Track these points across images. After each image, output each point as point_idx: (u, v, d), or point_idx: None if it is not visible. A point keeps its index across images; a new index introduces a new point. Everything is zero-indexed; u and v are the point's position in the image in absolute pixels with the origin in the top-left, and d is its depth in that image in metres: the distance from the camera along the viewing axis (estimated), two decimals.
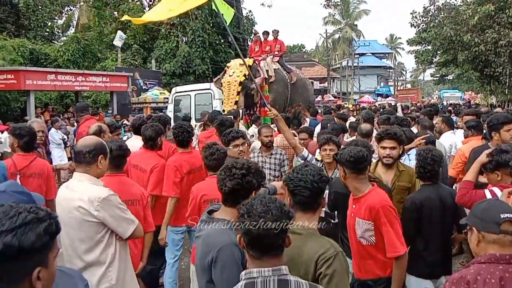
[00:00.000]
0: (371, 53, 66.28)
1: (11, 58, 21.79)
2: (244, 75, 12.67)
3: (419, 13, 26.87)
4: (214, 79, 14.56)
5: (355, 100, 45.86)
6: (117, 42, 25.66)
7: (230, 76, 13.10)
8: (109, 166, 3.88)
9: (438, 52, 28.16)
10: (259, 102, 13.29)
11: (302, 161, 5.34)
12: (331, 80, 52.44)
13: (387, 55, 78.85)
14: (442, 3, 26.08)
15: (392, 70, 77.49)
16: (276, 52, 15.21)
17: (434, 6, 26.21)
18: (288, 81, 14.81)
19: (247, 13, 33.14)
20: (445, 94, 52.63)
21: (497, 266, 2.39)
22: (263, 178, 3.11)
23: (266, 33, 15.71)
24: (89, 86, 20.76)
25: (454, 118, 13.50)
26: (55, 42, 32.23)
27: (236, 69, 13.11)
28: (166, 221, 5.27)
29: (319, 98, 34.15)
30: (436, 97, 60.34)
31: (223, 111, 12.09)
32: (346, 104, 33.53)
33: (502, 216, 2.44)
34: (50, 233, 1.65)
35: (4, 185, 2.19)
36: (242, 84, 12.82)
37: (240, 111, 12.25)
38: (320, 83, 52.33)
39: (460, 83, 52.62)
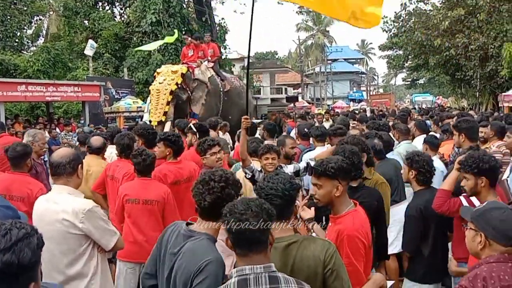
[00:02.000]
0: (343, 58, 67.08)
1: None
2: (176, 84, 11.93)
3: (390, 18, 27.27)
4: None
5: (328, 105, 46.21)
6: (88, 51, 25.35)
7: (160, 83, 12.03)
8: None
9: (410, 56, 28.63)
10: (190, 112, 12.50)
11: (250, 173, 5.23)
12: (305, 86, 52.78)
13: (359, 60, 79.91)
14: (413, 9, 26.50)
15: (364, 75, 78.47)
16: (209, 58, 14.12)
17: (405, 11, 26.64)
18: (221, 89, 13.76)
19: (219, 20, 33.12)
20: (417, 98, 53.48)
21: (507, 264, 2.43)
22: (240, 188, 3.02)
23: (199, 38, 14.75)
24: (60, 96, 20.39)
25: (428, 122, 13.67)
26: (25, 52, 31.70)
27: (167, 76, 12.10)
28: None
29: (291, 104, 34.32)
30: (408, 101, 61.22)
31: (150, 122, 11.37)
32: (319, 109, 33.72)
33: None
34: (40, 248, 1.69)
35: None
36: (173, 93, 11.88)
37: (169, 123, 11.27)
38: (294, 89, 52.67)
39: (431, 87, 53.55)
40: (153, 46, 20.19)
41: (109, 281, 3.75)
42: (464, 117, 6.58)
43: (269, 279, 2.24)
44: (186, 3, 30.29)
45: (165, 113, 11.64)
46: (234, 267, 2.36)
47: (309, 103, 44.23)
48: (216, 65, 14.26)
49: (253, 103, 16.18)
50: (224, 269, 2.57)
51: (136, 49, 22.11)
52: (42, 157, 7.28)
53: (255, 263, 2.27)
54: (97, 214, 3.49)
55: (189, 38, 14.41)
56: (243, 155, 5.35)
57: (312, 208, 3.39)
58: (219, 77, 13.97)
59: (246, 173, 5.10)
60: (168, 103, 11.72)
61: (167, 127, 11.03)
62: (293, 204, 2.82)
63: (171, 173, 5.29)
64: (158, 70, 12.90)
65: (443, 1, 25.71)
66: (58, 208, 3.42)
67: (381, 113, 20.73)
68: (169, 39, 17.79)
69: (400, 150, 6.56)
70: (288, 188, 2.73)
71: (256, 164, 5.14)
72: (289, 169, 5.09)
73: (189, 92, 12.47)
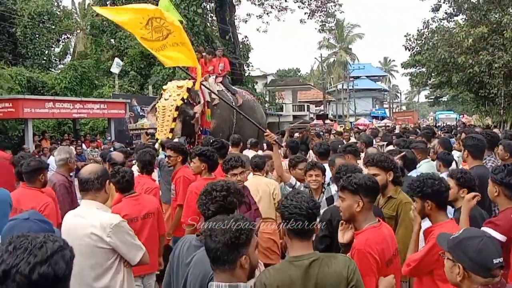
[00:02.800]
0: (365, 76, 66.77)
1: (8, 86, 21.84)
2: (182, 99, 11.37)
3: (413, 35, 27.16)
4: (149, 108, 12.91)
5: (351, 123, 46.07)
6: (114, 69, 25.80)
7: (165, 100, 11.53)
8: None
9: (433, 74, 28.37)
10: (200, 129, 11.92)
11: (290, 189, 5.29)
12: (327, 103, 52.75)
13: (381, 77, 79.50)
14: (436, 26, 26.40)
15: (387, 92, 78.04)
16: (219, 72, 13.73)
17: (428, 29, 26.52)
18: (234, 104, 12.91)
19: (242, 38, 33.46)
20: (440, 115, 52.94)
21: None
22: (242, 196, 3.26)
23: (211, 52, 14.26)
24: (86, 113, 20.83)
25: (451, 140, 13.56)
26: (52, 70, 32.39)
27: (173, 92, 11.60)
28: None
29: (319, 121, 34.26)
30: (431, 119, 60.66)
31: (156, 140, 11.08)
32: (341, 126, 33.65)
33: (495, 261, 2.31)
34: (72, 260, 1.70)
35: (28, 213, 2.23)
36: (179, 109, 11.29)
37: (180, 139, 10.69)
38: (316, 106, 52.66)
39: (455, 105, 53.00)
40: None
41: None
42: (471, 134, 6.48)
43: None
44: (210, 22, 30.67)
45: (171, 130, 11.15)
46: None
47: (332, 120, 44.14)
48: (225, 79, 13.91)
49: (264, 118, 15.63)
50: None
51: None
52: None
53: (222, 281, 2.34)
54: (124, 228, 3.58)
55: (201, 53, 13.75)
56: (279, 172, 5.43)
57: (350, 232, 3.35)
58: (230, 92, 13.58)
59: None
60: (174, 120, 11.21)
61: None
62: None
63: None
64: (164, 86, 12.42)
65: (466, 18, 25.60)
66: (86, 222, 3.50)
67: (404, 130, 20.65)
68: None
69: (421, 170, 6.30)
70: (311, 207, 2.74)
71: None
72: (334, 188, 5.06)
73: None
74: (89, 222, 3.49)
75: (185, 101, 11.39)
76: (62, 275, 1.62)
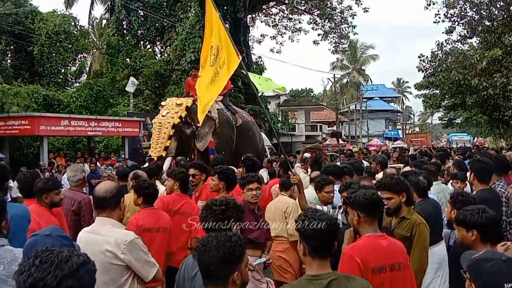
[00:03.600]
0: (378, 97, 66.73)
1: (25, 104, 22.15)
2: (180, 117, 11.07)
3: (426, 57, 27.22)
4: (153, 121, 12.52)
5: (363, 143, 45.95)
6: (130, 88, 26.05)
7: (162, 116, 11.28)
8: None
9: (446, 95, 28.36)
10: (195, 148, 11.56)
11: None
12: (340, 124, 52.74)
13: (395, 99, 79.39)
14: (450, 48, 26.45)
15: (400, 113, 77.84)
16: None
17: (441, 51, 26.57)
18: (234, 123, 12.89)
19: (256, 59, 33.69)
20: (454, 137, 52.75)
21: None
22: (243, 212, 3.43)
23: None
24: (101, 131, 21.00)
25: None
26: (68, 88, 32.78)
27: (170, 109, 11.29)
28: None
29: (333, 141, 34.14)
30: (445, 141, 60.37)
31: (149, 156, 11.03)
32: (354, 147, 33.58)
33: (506, 286, 2.33)
34: (94, 274, 1.78)
35: (49, 229, 2.27)
36: (175, 127, 11.03)
37: (169, 158, 10.61)
38: (328, 127, 52.65)
39: (469, 127, 52.74)
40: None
41: None
42: (478, 157, 6.45)
43: None
44: None
45: (166, 148, 10.92)
46: None
47: (344, 140, 44.09)
48: (226, 98, 13.46)
49: (262, 141, 15.04)
50: None
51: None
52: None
53: None
54: (138, 245, 3.61)
55: (196, 71, 13.19)
56: (304, 209, 5.49)
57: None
58: (229, 111, 13.14)
59: None
60: (170, 138, 10.97)
61: (167, 163, 10.44)
62: (334, 241, 2.78)
63: None
64: (162, 103, 12.14)
65: (481, 41, 25.64)
66: (101, 239, 3.54)
67: (418, 151, 20.59)
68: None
69: (431, 191, 6.30)
70: (332, 225, 2.75)
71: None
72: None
73: (193, 126, 11.47)
74: (103, 239, 3.53)
75: (183, 119, 11.13)
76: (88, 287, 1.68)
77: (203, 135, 11.56)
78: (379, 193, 4.14)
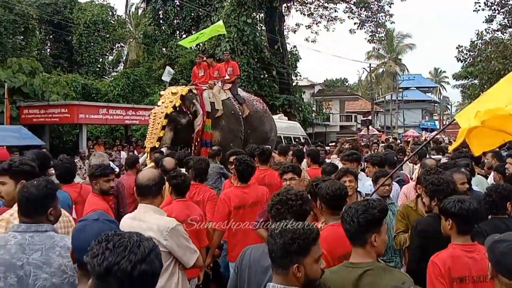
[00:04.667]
0: (415, 87, 65.66)
1: (64, 93, 22.62)
2: (174, 107, 10.65)
3: (465, 47, 26.66)
4: None
5: (399, 134, 45.35)
6: (166, 77, 26.25)
7: (158, 106, 11.01)
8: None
9: (486, 86, 27.69)
10: (198, 140, 11.05)
11: None
12: (375, 114, 52.14)
13: (432, 89, 77.95)
14: (490, 37, 25.82)
15: (437, 104, 76.44)
16: (227, 77, 12.56)
17: (481, 40, 25.96)
18: (240, 114, 12.25)
19: (291, 48, 33.54)
20: None
21: None
22: (311, 204, 3.33)
23: (211, 56, 13.53)
24: (138, 120, 21.31)
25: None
26: (106, 77, 33.29)
27: (166, 98, 10.91)
28: (211, 252, 5.30)
29: (363, 131, 33.86)
30: None
31: (144, 147, 10.51)
32: (390, 138, 33.19)
33: None
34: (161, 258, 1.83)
35: (97, 214, 2.34)
36: (169, 117, 10.60)
37: (164, 149, 10.06)
38: (363, 117, 52.09)
39: None
40: (200, 38, 15.24)
41: None
42: None
43: None
44: (259, 31, 30.92)
45: (159, 139, 10.47)
46: None
47: (379, 131, 43.61)
48: (234, 86, 12.73)
49: (274, 131, 14.06)
50: None
51: (180, 42, 18.60)
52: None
53: (277, 282, 2.40)
54: (180, 232, 3.70)
55: (203, 57, 13.18)
56: None
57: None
58: (237, 101, 12.46)
59: None
60: (163, 128, 10.52)
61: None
62: (367, 233, 2.74)
63: (236, 197, 5.35)
64: (161, 92, 11.83)
65: None
66: (144, 225, 3.60)
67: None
68: (215, 30, 14.72)
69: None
70: (359, 215, 2.74)
71: None
72: None
73: (190, 116, 10.99)
74: (147, 226, 3.61)
75: (177, 108, 10.73)
76: (157, 271, 1.74)
77: (196, 127, 11.03)
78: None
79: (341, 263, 2.89)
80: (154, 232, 3.57)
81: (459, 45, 26.67)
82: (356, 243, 2.79)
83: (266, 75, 30.32)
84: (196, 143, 11.01)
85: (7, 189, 3.65)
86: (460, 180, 5.01)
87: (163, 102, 10.85)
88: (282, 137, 17.61)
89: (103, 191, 5.06)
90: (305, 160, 8.45)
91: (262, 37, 31.35)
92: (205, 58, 12.98)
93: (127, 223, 3.76)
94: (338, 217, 3.29)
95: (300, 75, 36.11)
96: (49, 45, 33.39)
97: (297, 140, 18.51)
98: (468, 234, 3.39)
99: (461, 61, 27.16)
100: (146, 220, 3.66)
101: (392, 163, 7.34)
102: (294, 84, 32.68)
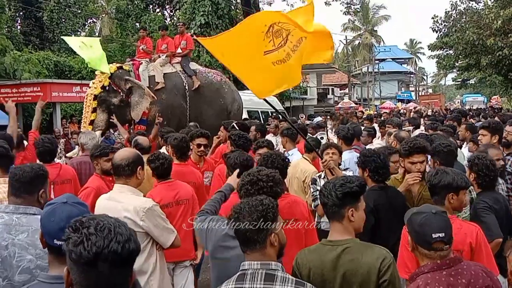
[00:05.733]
0: (391, 58, 65.93)
1: (36, 70, 22.16)
2: (103, 87, 10.13)
3: (440, 17, 26.69)
4: None
5: (376, 106, 45.66)
6: None
7: (89, 88, 10.49)
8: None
9: (460, 56, 27.90)
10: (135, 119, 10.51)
11: None
12: (352, 87, 52.29)
13: (407, 60, 78.42)
14: (464, 8, 25.89)
15: (413, 75, 76.99)
16: (180, 51, 12.01)
17: (456, 10, 26.02)
18: (187, 87, 11.48)
19: None
20: (468, 98, 52.11)
21: (441, 272, 2.52)
22: (284, 186, 3.32)
23: (163, 28, 12.92)
24: None
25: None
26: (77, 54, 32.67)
27: (96, 79, 10.38)
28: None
29: (345, 104, 33.95)
30: (458, 102, 59.76)
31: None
32: (367, 110, 33.39)
33: (434, 236, 2.54)
34: None
35: (65, 197, 2.27)
36: (98, 98, 10.06)
37: (98, 132, 9.50)
38: (340, 90, 52.23)
39: (483, 87, 52.11)
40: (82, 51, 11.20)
41: (166, 277, 3.88)
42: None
43: (265, 276, 2.33)
44: (234, 5, 30.55)
45: (91, 122, 10.01)
46: None
47: (356, 103, 43.85)
48: (186, 59, 12.09)
49: (237, 104, 12.89)
50: None
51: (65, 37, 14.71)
52: None
53: (254, 260, 2.38)
54: (156, 212, 3.65)
55: (142, 31, 12.82)
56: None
57: None
58: (186, 73, 11.70)
59: None
60: (94, 110, 10.00)
61: (95, 137, 7.55)
62: (344, 207, 2.75)
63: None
64: (96, 72, 10.94)
65: None
66: (119, 206, 3.57)
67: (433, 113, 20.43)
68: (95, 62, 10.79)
69: None
70: (337, 189, 2.74)
71: None
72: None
73: (122, 95, 10.38)
74: (122, 206, 3.57)
75: (107, 88, 10.21)
76: (140, 248, 1.75)
77: (135, 104, 10.34)
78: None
79: (320, 241, 2.87)
80: (130, 212, 3.53)
81: (434, 15, 26.68)
82: (333, 218, 2.78)
83: (193, 46, 29.95)
84: (134, 123, 10.52)
85: None
86: (496, 156, 4.93)
87: (93, 83, 10.39)
88: (260, 112, 17.52)
89: (105, 171, 4.99)
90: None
91: (238, 10, 31.01)
92: (145, 31, 12.77)
93: (103, 203, 3.73)
94: None
95: None
96: (19, 22, 32.54)
97: (274, 114, 18.40)
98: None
99: (436, 32, 27.21)
100: (122, 201, 3.62)
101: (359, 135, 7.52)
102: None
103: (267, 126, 11.21)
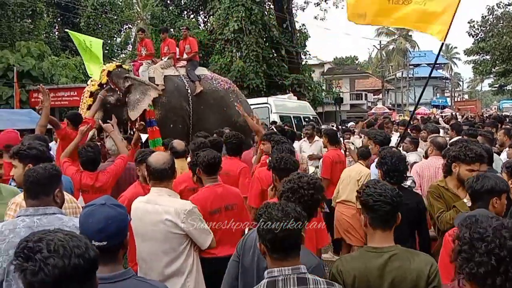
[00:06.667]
0: (426, 63, 64.96)
1: (73, 75, 22.62)
2: (100, 84, 9.85)
3: (477, 22, 26.27)
4: None
5: (410, 111, 45.05)
6: None
7: (87, 85, 10.26)
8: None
9: (497, 61, 27.37)
10: (147, 120, 10.18)
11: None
12: (386, 92, 51.76)
13: (443, 65, 77.17)
14: (501, 12, 25.42)
15: (449, 80, 75.74)
16: (185, 56, 11.85)
17: (492, 15, 25.57)
18: (189, 91, 11.08)
19: (300, 26, 33.18)
20: (505, 104, 50.91)
21: None
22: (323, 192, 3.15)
23: (164, 30, 12.79)
24: None
25: None
26: (114, 59, 33.24)
27: (96, 77, 10.11)
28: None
29: (378, 109, 33.64)
30: (495, 108, 58.46)
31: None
32: (401, 115, 32.97)
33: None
34: None
35: (103, 198, 2.30)
36: (94, 95, 9.70)
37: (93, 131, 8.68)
38: (374, 95, 51.76)
39: None
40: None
41: (201, 279, 3.85)
42: None
43: (297, 280, 2.27)
44: (267, 10, 30.62)
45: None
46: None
47: (390, 109, 43.34)
48: (191, 63, 11.77)
49: (235, 108, 11.23)
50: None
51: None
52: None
53: (284, 266, 2.30)
54: (196, 214, 3.67)
55: (140, 33, 12.33)
56: None
57: None
58: (189, 78, 11.36)
59: None
60: (89, 108, 9.58)
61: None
62: (396, 212, 2.70)
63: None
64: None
65: None
66: (160, 209, 3.60)
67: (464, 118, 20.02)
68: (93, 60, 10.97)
69: None
70: (395, 195, 2.69)
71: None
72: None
73: (119, 93, 10.02)
74: (163, 209, 3.59)
75: (104, 86, 9.88)
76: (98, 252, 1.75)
77: (134, 103, 10.05)
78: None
79: (362, 248, 2.82)
80: (171, 215, 3.56)
81: (470, 20, 26.28)
82: (386, 227, 2.70)
83: (275, 55, 30.06)
84: (131, 123, 10.06)
85: (17, 172, 3.70)
86: None
87: (91, 81, 10.14)
88: (292, 117, 17.49)
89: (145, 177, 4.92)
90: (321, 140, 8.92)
91: (271, 16, 31.05)
92: (144, 33, 12.40)
93: (141, 206, 3.72)
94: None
95: (309, 54, 35.76)
96: (57, 28, 33.34)
97: (306, 119, 18.31)
98: None
99: (473, 37, 26.79)
100: (162, 203, 3.63)
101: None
102: (303, 63, 32.39)
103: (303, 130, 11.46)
